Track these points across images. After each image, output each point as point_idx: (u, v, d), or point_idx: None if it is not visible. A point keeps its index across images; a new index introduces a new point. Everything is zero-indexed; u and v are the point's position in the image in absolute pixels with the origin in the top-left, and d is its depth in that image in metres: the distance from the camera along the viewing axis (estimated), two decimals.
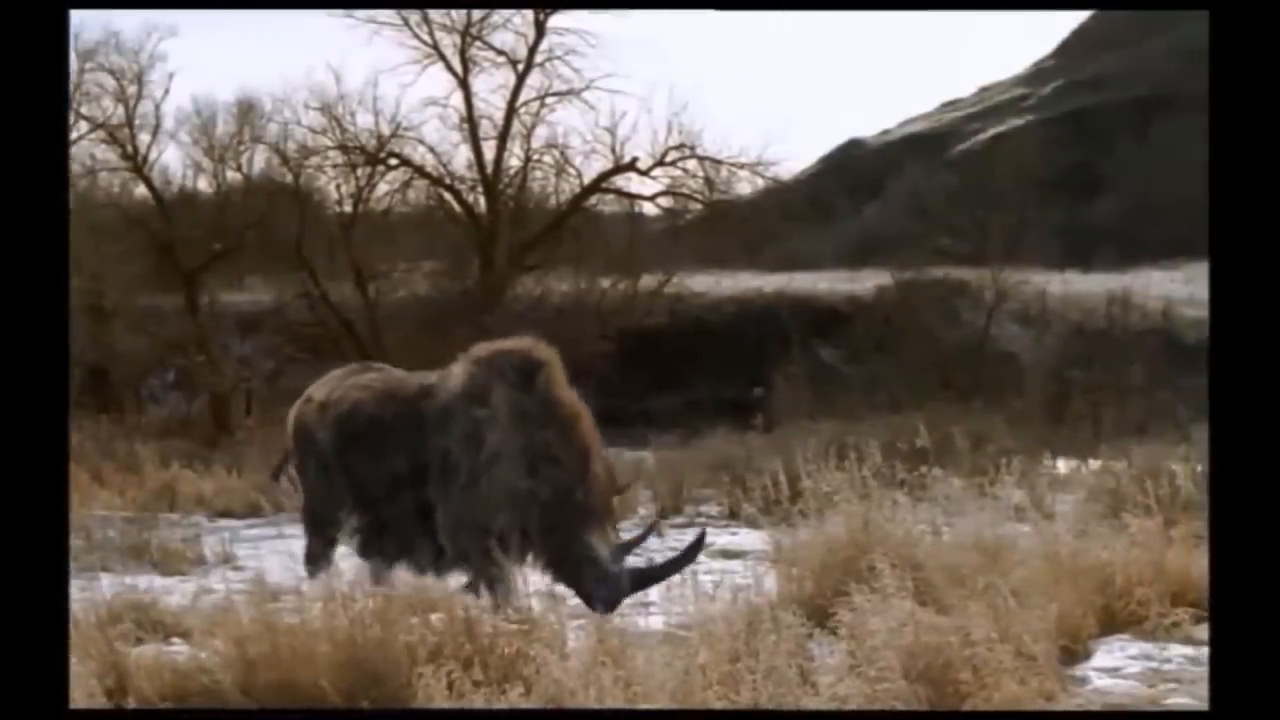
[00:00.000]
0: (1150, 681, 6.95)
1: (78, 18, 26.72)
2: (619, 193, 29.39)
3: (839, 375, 29.04)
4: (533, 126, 28.66)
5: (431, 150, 28.50)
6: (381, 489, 9.10)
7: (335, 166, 28.61)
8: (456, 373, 9.04)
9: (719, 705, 6.12)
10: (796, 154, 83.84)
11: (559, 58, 27.89)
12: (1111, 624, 7.87)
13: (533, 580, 8.76)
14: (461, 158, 28.67)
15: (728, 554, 11.50)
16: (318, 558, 9.48)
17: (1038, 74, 54.18)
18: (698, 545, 8.60)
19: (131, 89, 28.97)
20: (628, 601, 8.59)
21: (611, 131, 28.03)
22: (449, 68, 28.05)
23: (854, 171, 50.71)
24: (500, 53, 28.17)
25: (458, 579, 8.88)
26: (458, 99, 28.25)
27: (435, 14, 27.71)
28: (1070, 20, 53.81)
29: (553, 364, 8.84)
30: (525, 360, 8.83)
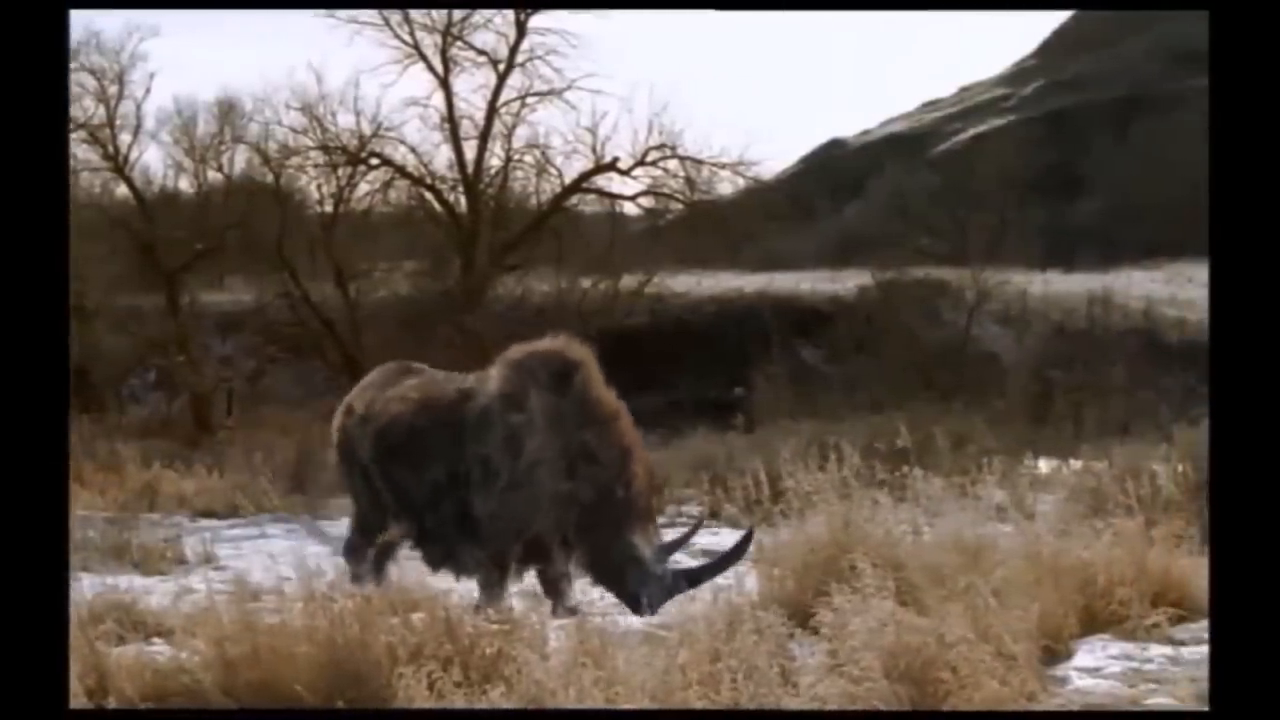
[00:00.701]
0: (1131, 681, 6.95)
1: None
2: (600, 192, 29.42)
3: (820, 375, 29.05)
4: (514, 126, 28.76)
5: (412, 150, 28.61)
6: (423, 498, 9.06)
7: (316, 166, 28.67)
8: (493, 376, 9.00)
9: (699, 705, 6.11)
10: (777, 154, 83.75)
11: (540, 58, 27.99)
12: (1092, 624, 7.86)
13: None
14: (442, 158, 28.76)
15: (709, 554, 11.45)
16: (355, 549, 9.49)
17: (1018, 74, 54.27)
18: (746, 542, 8.59)
19: (113, 89, 29.04)
20: (609, 600, 8.59)
21: (592, 131, 28.14)
22: (430, 68, 28.11)
23: (835, 171, 50.76)
24: (481, 53, 28.24)
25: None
26: (439, 99, 28.34)
27: (416, 14, 27.78)
28: (1051, 20, 53.90)
29: (587, 363, 8.80)
30: (560, 362, 8.80)
